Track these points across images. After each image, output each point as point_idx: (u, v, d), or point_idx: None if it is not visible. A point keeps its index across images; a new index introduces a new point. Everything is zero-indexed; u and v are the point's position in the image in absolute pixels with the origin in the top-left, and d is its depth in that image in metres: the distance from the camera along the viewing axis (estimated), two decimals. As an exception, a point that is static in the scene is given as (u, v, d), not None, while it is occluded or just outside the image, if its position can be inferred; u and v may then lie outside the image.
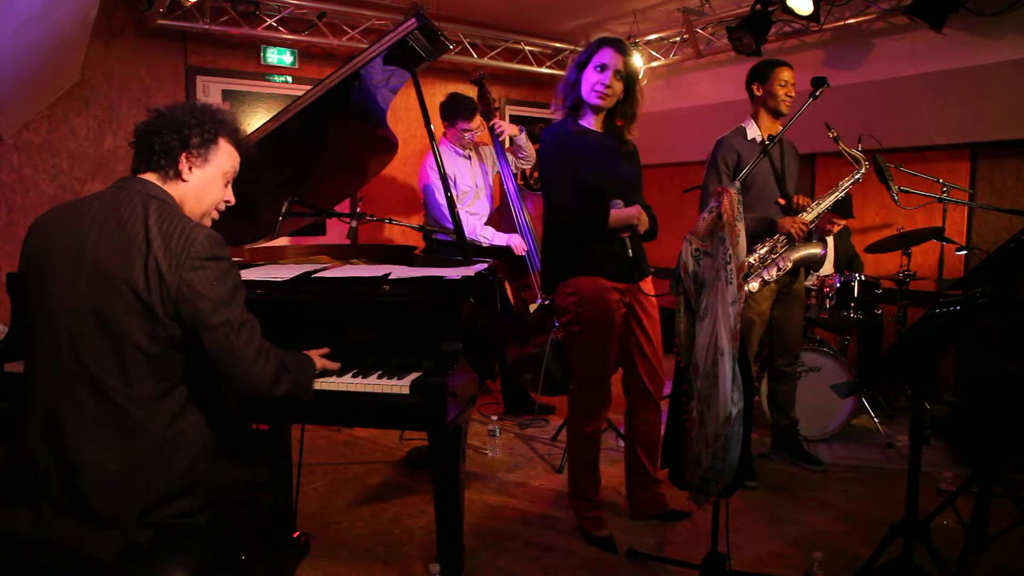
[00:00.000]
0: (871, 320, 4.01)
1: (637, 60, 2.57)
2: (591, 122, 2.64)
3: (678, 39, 5.31)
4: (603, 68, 2.52)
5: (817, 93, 3.11)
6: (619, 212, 2.53)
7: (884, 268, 4.68)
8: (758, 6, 4.29)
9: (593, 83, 2.54)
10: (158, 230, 1.56)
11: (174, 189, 1.69)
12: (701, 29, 5.02)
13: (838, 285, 3.95)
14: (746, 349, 2.24)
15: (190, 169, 1.70)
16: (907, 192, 3.63)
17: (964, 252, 4.18)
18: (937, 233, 4.06)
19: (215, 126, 1.73)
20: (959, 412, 3.97)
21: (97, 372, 1.54)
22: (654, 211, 2.71)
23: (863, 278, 3.97)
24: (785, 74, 3.23)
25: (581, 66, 2.58)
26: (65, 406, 1.55)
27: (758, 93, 3.29)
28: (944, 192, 3.78)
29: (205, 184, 1.73)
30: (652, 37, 5.40)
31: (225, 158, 1.76)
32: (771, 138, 3.22)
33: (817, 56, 4.67)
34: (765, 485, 3.30)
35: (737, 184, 2.52)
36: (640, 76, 2.59)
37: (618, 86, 2.54)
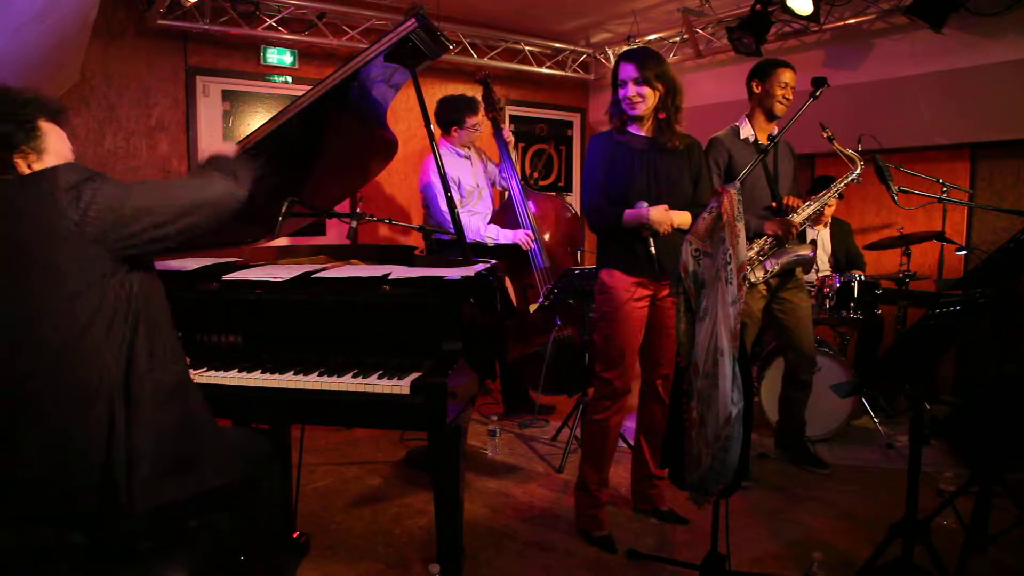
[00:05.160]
0: (871, 320, 4.01)
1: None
2: (636, 129, 2.73)
3: (678, 39, 5.31)
4: (623, 84, 2.65)
5: (817, 93, 3.11)
6: (631, 212, 2.62)
7: (884, 268, 4.67)
8: (758, 6, 4.28)
9: (621, 98, 2.68)
10: (19, 196, 1.50)
11: None
12: (701, 29, 5.01)
13: (838, 285, 3.94)
14: (745, 350, 2.24)
15: (29, 167, 1.58)
16: (907, 192, 3.62)
17: (964, 252, 4.18)
18: (937, 234, 4.06)
19: (27, 111, 1.59)
20: (959, 412, 3.97)
21: (54, 346, 1.49)
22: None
23: (863, 278, 3.97)
24: (786, 76, 3.21)
25: (613, 86, 2.72)
26: (20, 405, 1.51)
27: (756, 91, 3.27)
28: (944, 192, 3.78)
29: None
30: (652, 37, 5.40)
31: (55, 140, 1.63)
32: (771, 138, 3.22)
33: (817, 56, 4.66)
34: (765, 485, 3.31)
35: (737, 184, 2.51)
36: (668, 70, 2.66)
37: (643, 90, 2.63)
